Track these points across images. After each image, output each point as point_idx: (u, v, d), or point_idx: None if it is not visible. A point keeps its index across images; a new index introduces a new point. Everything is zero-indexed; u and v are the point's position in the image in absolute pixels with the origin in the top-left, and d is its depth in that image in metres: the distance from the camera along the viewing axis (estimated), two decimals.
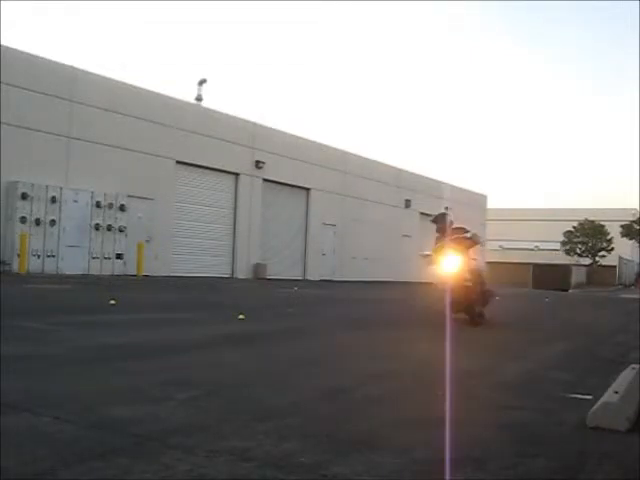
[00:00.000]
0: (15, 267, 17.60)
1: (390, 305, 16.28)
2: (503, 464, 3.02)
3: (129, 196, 20.56)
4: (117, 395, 3.99)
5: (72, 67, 19.87)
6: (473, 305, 10.00)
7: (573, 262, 53.94)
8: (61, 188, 18.90)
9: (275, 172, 26.59)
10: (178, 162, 22.83)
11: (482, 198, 44.15)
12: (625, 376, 4.43)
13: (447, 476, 2.84)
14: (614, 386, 4.11)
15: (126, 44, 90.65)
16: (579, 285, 47.46)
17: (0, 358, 4.82)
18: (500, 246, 58.40)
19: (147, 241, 21.32)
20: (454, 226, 10.58)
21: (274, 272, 25.81)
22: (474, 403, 4.41)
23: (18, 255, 17.64)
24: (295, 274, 27.69)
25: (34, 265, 18.05)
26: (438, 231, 10.84)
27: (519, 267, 51.90)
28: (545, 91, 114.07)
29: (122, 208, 20.26)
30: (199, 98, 26.88)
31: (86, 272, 18.97)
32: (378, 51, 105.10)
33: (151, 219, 21.68)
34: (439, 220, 10.90)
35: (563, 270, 44.17)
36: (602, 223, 56.33)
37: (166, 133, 22.19)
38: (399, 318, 11.81)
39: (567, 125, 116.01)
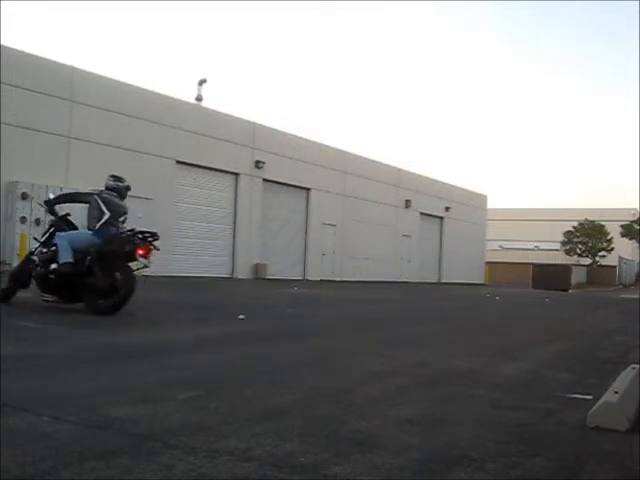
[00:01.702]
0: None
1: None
2: (503, 464, 3.02)
3: (129, 196, 20.55)
4: (117, 395, 3.99)
5: (72, 67, 19.86)
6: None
7: (573, 262, 53.89)
8: (61, 188, 18.84)
9: (275, 172, 26.58)
10: (178, 162, 22.83)
11: (482, 198, 44.15)
12: (625, 376, 4.44)
13: (447, 476, 2.84)
14: (614, 386, 4.11)
15: (126, 44, 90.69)
16: (579, 285, 47.43)
17: (0, 358, 4.82)
18: (500, 246, 58.40)
19: None
20: None
21: (274, 272, 25.80)
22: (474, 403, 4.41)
23: (18, 255, 17.63)
24: (295, 274, 27.69)
25: None
26: None
27: (519, 267, 51.90)
28: (545, 91, 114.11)
29: None
30: (199, 98, 26.87)
31: None
32: (378, 51, 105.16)
33: (151, 219, 21.66)
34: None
35: (563, 270, 44.10)
36: (602, 223, 56.31)
37: (166, 133, 22.18)
38: None
39: (567, 125, 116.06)
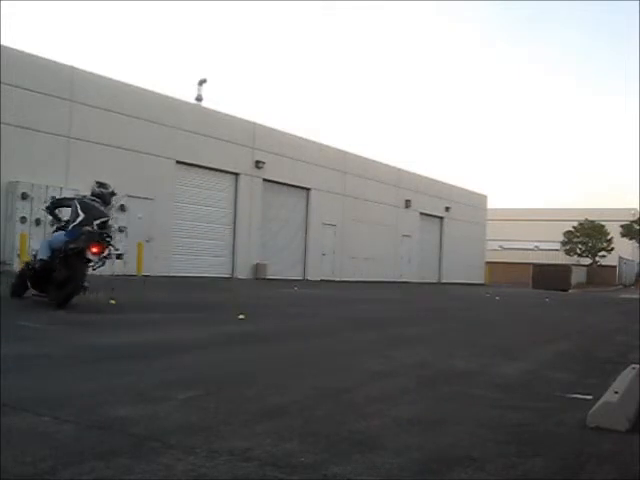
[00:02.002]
0: (15, 267, 17.59)
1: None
2: (503, 464, 3.02)
3: (129, 196, 20.55)
4: (117, 395, 3.98)
5: (72, 67, 19.86)
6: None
7: (573, 262, 53.89)
8: (61, 188, 18.87)
9: (275, 172, 26.58)
10: (178, 162, 22.82)
11: (482, 198, 44.15)
12: (625, 376, 4.44)
13: (447, 476, 2.84)
14: (614, 386, 4.11)
15: (126, 44, 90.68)
16: (579, 285, 47.42)
17: (0, 358, 4.82)
18: (500, 246, 58.38)
19: (147, 241, 21.32)
20: None
21: (274, 272, 25.80)
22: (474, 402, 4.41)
23: (18, 255, 17.62)
24: (295, 274, 27.69)
25: None
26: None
27: (519, 267, 51.88)
28: (545, 91, 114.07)
29: (122, 208, 20.25)
30: (199, 98, 26.87)
31: None
32: (378, 51, 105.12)
33: (151, 219, 21.67)
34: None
35: (563, 270, 44.10)
36: (602, 223, 56.30)
37: (166, 133, 22.18)
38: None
39: (567, 125, 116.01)
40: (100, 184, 10.16)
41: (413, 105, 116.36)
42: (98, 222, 9.53)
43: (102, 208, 9.80)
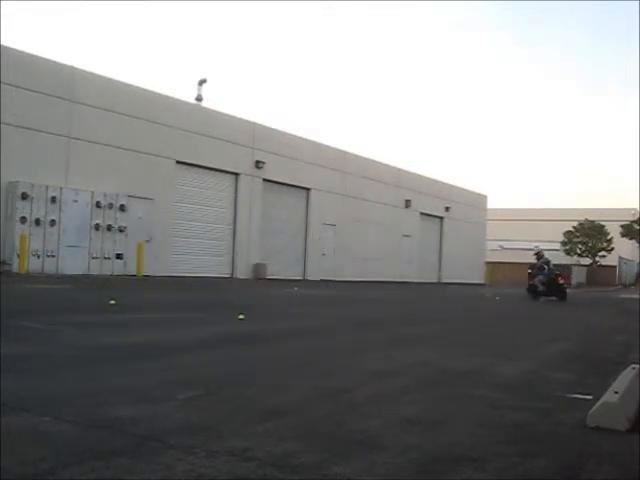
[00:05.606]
0: (15, 267, 17.60)
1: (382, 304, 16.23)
2: (503, 464, 3.02)
3: (129, 196, 20.55)
4: (117, 395, 3.98)
5: (72, 67, 19.86)
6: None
7: (573, 262, 53.87)
8: (61, 188, 18.89)
9: (275, 172, 26.58)
10: (178, 162, 22.83)
11: (482, 198, 44.14)
12: (625, 376, 4.43)
13: (447, 476, 2.84)
14: (614, 386, 4.10)
15: (126, 44, 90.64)
16: (579, 285, 47.41)
17: (0, 358, 4.82)
18: (500, 246, 58.34)
19: (147, 241, 21.32)
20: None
21: (274, 272, 25.81)
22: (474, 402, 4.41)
23: (18, 255, 17.63)
24: (295, 274, 27.69)
25: (34, 265, 18.04)
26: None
27: (519, 267, 51.80)
28: (545, 91, 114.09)
29: (122, 208, 20.24)
30: (199, 98, 26.87)
31: (86, 272, 18.96)
32: (378, 51, 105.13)
33: (151, 219, 21.67)
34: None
35: (563, 270, 44.03)
36: (602, 223, 56.27)
37: (166, 133, 22.18)
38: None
39: (567, 125, 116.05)
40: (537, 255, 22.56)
41: (413, 105, 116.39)
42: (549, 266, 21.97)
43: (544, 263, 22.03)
